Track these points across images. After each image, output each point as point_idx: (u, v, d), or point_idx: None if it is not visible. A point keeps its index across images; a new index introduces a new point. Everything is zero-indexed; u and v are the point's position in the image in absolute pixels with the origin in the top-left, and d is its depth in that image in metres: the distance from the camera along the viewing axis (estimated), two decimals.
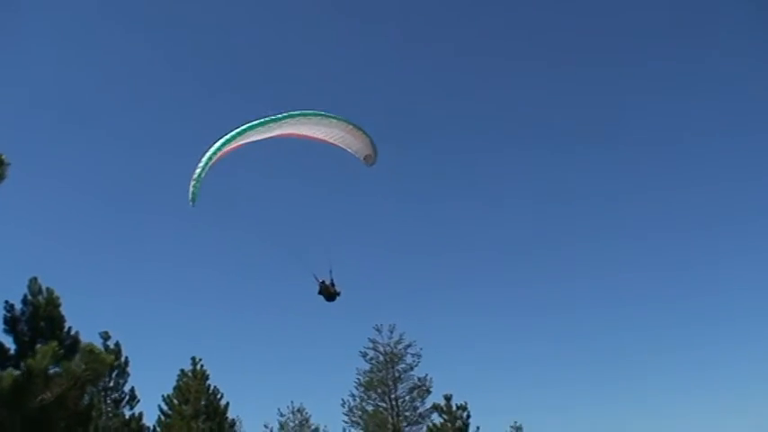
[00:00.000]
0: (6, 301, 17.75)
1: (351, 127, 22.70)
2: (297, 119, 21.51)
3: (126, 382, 35.39)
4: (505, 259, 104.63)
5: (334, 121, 22.32)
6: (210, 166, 20.36)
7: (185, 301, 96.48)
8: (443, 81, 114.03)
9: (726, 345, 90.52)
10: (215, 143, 20.21)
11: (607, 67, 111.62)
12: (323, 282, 22.03)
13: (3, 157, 10.21)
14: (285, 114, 21.24)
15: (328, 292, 22.02)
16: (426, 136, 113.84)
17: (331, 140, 23.00)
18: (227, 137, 20.28)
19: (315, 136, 22.58)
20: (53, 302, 18.22)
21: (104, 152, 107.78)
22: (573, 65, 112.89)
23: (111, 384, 34.61)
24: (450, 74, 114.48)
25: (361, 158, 23.79)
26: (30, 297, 18.12)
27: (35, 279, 18.43)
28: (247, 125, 20.53)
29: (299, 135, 22.39)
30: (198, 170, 20.05)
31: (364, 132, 23.07)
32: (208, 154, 20.13)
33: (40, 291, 18.29)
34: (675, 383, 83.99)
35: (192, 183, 19.97)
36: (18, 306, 17.91)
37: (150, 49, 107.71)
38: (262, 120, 20.88)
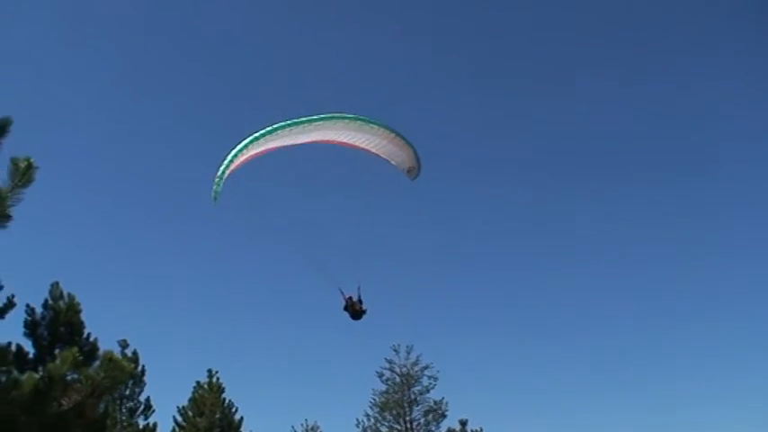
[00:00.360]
0: (27, 305, 17.72)
1: (393, 135, 20.95)
2: (334, 122, 19.91)
3: (142, 391, 35.32)
4: (531, 283, 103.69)
5: (376, 127, 20.57)
6: (237, 167, 19.40)
7: (204, 312, 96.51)
8: (478, 98, 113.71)
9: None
10: (242, 141, 19.20)
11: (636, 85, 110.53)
12: (350, 298, 20.92)
13: (31, 160, 10.15)
14: (321, 116, 19.68)
15: (354, 310, 20.87)
16: (453, 154, 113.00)
17: (373, 150, 21.25)
18: (256, 135, 19.15)
19: (354, 144, 20.92)
20: (74, 308, 18.14)
21: (131, 159, 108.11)
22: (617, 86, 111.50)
23: (127, 393, 34.55)
24: (481, 90, 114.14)
25: (404, 171, 22.04)
26: (51, 302, 18.06)
27: (57, 284, 18.36)
28: (278, 125, 19.24)
29: (335, 142, 20.75)
30: (221, 167, 19.11)
31: (408, 142, 21.30)
32: (233, 152, 19.14)
33: (61, 296, 18.23)
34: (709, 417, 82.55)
35: (215, 180, 19.07)
36: (39, 310, 17.89)
37: (173, 54, 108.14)
38: (294, 120, 19.43)
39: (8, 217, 10.17)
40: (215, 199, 19.26)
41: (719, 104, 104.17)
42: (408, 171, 22.00)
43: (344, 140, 20.72)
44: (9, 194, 10.00)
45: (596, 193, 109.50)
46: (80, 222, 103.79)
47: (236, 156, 19.16)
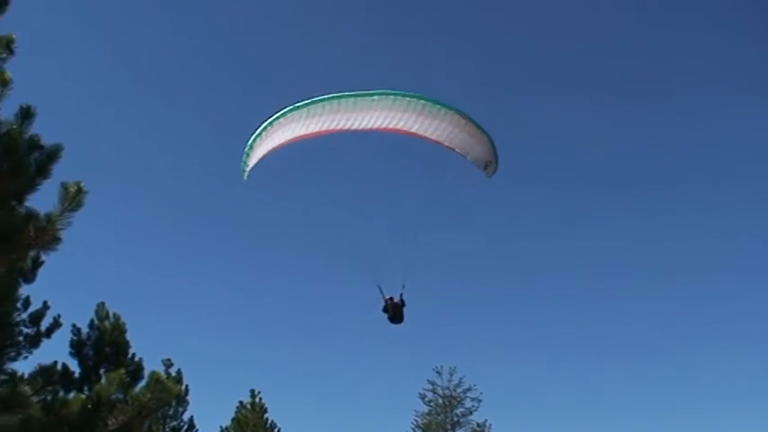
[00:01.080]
0: (73, 325, 18.04)
1: (465, 121, 17.43)
2: (392, 101, 16.63)
3: (185, 410, 35.45)
4: (578, 303, 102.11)
5: (443, 110, 17.15)
6: (278, 147, 17.26)
7: (247, 332, 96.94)
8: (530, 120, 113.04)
9: None
10: (280, 110, 16.97)
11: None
12: (390, 299, 18.62)
13: (81, 185, 10.34)
14: (377, 91, 16.60)
15: (394, 311, 18.55)
16: (517, 173, 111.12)
17: (444, 142, 17.75)
18: (297, 104, 16.75)
19: (419, 133, 17.45)
20: (119, 328, 18.42)
21: (176, 179, 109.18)
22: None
23: (171, 412, 34.69)
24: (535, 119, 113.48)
25: (481, 167, 18.45)
26: (96, 322, 18.35)
27: (102, 304, 18.65)
28: (326, 96, 16.53)
29: (395, 130, 17.36)
30: (251, 138, 17.14)
31: (482, 130, 17.79)
32: (267, 121, 17.04)
33: (107, 316, 18.50)
34: None
35: (245, 151, 17.30)
36: (84, 330, 18.17)
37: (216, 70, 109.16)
38: (344, 93, 16.51)
39: (58, 240, 10.34)
40: (243, 173, 17.74)
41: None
42: (485, 167, 18.55)
43: (406, 128, 17.46)
44: (59, 218, 10.17)
45: (637, 212, 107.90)
46: (126, 242, 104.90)
47: (270, 125, 17.14)
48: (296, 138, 17.42)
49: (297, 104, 16.81)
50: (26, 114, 10.02)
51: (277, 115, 17.01)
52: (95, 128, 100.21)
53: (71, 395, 13.80)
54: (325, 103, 16.63)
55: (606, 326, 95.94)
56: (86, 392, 15.29)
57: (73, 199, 10.09)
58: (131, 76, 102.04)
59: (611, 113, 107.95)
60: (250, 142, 17.39)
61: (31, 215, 10.24)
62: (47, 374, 13.96)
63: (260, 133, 17.28)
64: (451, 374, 50.91)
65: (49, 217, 10.23)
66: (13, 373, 13.45)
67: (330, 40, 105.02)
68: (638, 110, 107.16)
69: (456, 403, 50.38)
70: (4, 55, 10.18)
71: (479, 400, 50.52)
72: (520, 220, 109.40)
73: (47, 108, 10.69)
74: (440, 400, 50.64)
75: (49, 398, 12.97)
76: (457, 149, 18.06)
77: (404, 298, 18.73)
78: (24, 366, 14.63)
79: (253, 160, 17.60)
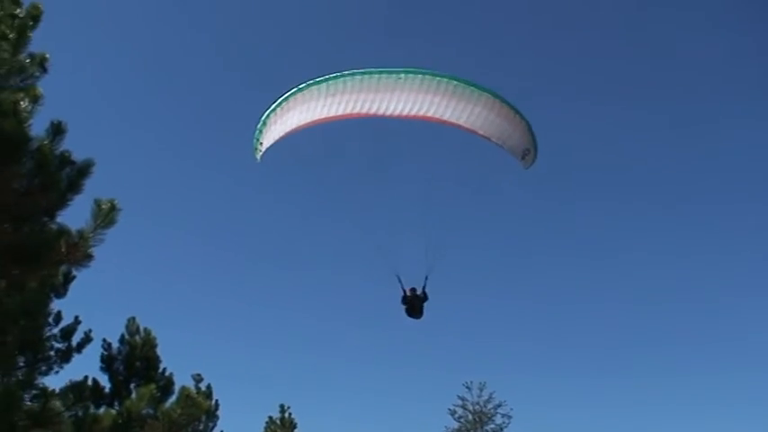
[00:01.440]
0: (104, 340, 18.13)
1: (500, 105, 15.69)
2: (421, 80, 15.15)
3: (215, 425, 35.44)
4: (615, 314, 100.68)
5: (477, 93, 15.47)
6: (297, 128, 16.08)
7: (277, 346, 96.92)
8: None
9: None
10: (299, 85, 15.75)
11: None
12: (412, 290, 17.14)
13: (115, 202, 10.40)
14: (405, 69, 15.24)
15: (413, 304, 17.12)
16: (557, 183, 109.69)
17: (479, 130, 15.95)
18: (319, 79, 15.46)
19: (453, 121, 15.79)
20: (150, 343, 18.55)
21: (207, 191, 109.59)
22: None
23: (201, 428, 34.72)
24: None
25: (518, 157, 16.65)
26: (127, 337, 18.46)
27: (133, 319, 18.78)
28: (348, 72, 15.30)
29: (425, 117, 15.69)
30: (267, 111, 16.13)
31: (521, 115, 16.01)
32: (285, 95, 15.89)
33: (137, 331, 18.60)
34: None
35: (257, 127, 16.26)
36: (115, 345, 18.26)
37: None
38: (369, 70, 15.28)
39: (90, 257, 10.39)
40: (256, 151, 16.66)
41: None
42: (523, 156, 16.73)
43: (437, 116, 15.81)
44: (91, 235, 10.21)
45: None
46: (157, 257, 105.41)
47: (285, 100, 15.93)
48: (314, 121, 16.21)
49: (316, 79, 15.61)
50: (57, 130, 10.06)
51: (294, 90, 15.89)
52: (127, 143, 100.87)
53: (102, 410, 13.91)
54: (346, 78, 15.38)
55: (640, 344, 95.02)
56: (117, 408, 15.38)
57: (106, 216, 10.15)
58: (164, 91, 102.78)
59: (613, 118, 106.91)
60: (263, 118, 16.36)
61: (63, 231, 10.30)
62: (78, 390, 13.98)
63: (274, 109, 16.20)
64: (481, 390, 50.64)
65: (81, 233, 10.28)
66: (45, 389, 13.50)
67: (339, 28, 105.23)
68: (638, 113, 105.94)
69: (486, 419, 49.98)
70: (38, 73, 10.25)
71: (510, 417, 50.17)
72: (532, 227, 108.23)
73: (78, 124, 10.73)
74: (470, 416, 50.29)
75: (80, 413, 13.01)
76: (493, 138, 16.32)
77: (426, 291, 17.33)
78: (55, 381, 14.75)
79: (266, 139, 16.57)
